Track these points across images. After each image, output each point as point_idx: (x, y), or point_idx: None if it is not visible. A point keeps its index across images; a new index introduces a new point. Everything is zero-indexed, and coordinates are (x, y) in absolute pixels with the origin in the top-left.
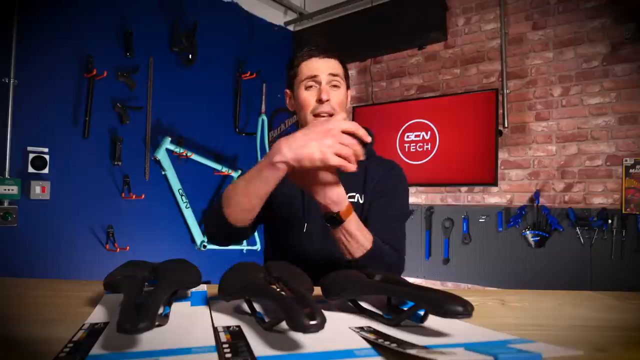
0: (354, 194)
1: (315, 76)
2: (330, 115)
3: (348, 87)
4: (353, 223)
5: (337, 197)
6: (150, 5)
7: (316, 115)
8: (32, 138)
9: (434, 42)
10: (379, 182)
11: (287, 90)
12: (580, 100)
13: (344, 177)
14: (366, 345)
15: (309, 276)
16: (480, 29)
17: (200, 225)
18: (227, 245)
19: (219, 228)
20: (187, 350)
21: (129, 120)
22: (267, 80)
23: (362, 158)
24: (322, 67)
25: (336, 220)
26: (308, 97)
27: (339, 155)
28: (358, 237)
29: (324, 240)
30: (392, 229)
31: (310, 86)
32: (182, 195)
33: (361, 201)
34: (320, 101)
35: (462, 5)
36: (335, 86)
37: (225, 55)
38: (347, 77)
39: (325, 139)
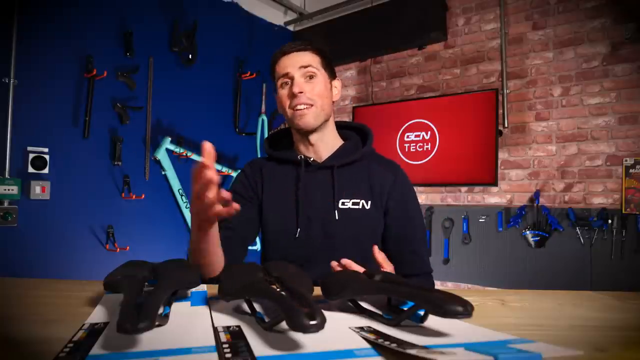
0: (358, 200)
1: (286, 73)
2: (310, 106)
3: (333, 77)
4: None
5: None
6: (150, 5)
7: (293, 109)
8: (32, 138)
9: (434, 42)
10: (391, 194)
11: (275, 95)
12: (580, 100)
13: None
14: (366, 345)
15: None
16: (480, 29)
17: None
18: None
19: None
20: (187, 350)
21: (129, 120)
22: (267, 80)
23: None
24: (292, 63)
25: None
26: (284, 94)
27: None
28: None
29: (326, 243)
30: (421, 254)
31: (286, 83)
32: (182, 195)
33: (367, 207)
34: (293, 95)
35: (462, 5)
36: (310, 77)
37: (225, 55)
38: (327, 66)
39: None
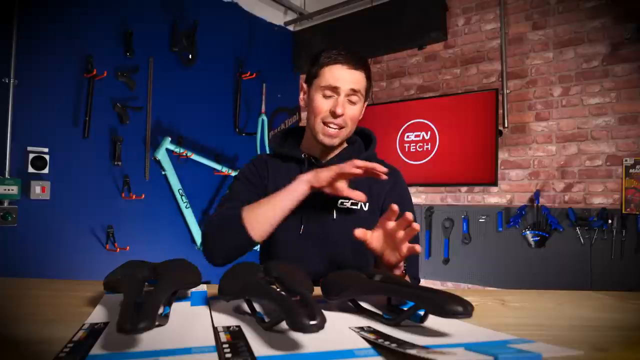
0: (357, 201)
1: (336, 88)
2: (341, 127)
3: (366, 100)
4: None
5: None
6: (150, 5)
7: (325, 124)
8: (32, 138)
9: (434, 42)
10: (387, 197)
11: (304, 85)
12: (580, 100)
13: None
14: (366, 345)
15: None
16: (480, 29)
17: (200, 225)
18: (230, 262)
19: (239, 247)
20: (187, 350)
21: (129, 120)
22: (267, 80)
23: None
24: (345, 79)
25: None
26: (323, 105)
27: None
28: None
29: (322, 242)
30: (409, 259)
31: (329, 96)
32: (182, 195)
33: (365, 208)
34: (334, 114)
35: (462, 5)
36: (352, 102)
37: (225, 55)
38: (368, 91)
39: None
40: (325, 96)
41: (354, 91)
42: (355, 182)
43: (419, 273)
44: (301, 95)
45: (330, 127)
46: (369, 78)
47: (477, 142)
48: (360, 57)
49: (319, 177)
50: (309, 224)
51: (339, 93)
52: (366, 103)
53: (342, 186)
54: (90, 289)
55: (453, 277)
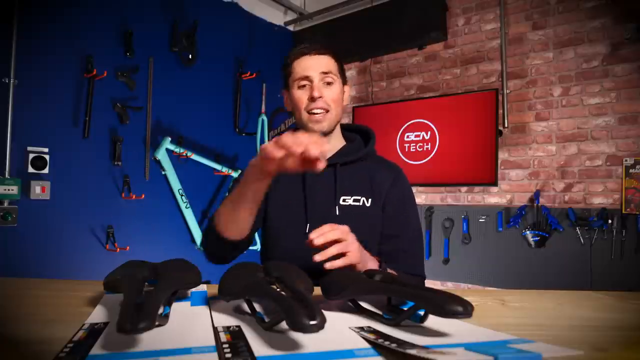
0: (359, 197)
1: (307, 76)
2: (326, 111)
3: (345, 83)
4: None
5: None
6: (150, 5)
7: (310, 113)
8: (32, 138)
9: (434, 42)
10: (389, 193)
11: (285, 91)
12: (580, 100)
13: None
14: (366, 345)
15: (310, 277)
16: (480, 29)
17: (200, 225)
18: (227, 262)
19: (224, 250)
20: (187, 350)
21: (129, 120)
22: (267, 80)
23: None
24: (314, 66)
25: None
26: (301, 96)
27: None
28: None
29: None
30: (414, 256)
31: (304, 85)
32: (182, 195)
33: (367, 204)
34: (312, 99)
35: (462, 5)
36: (329, 83)
37: (225, 55)
38: (342, 72)
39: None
40: (300, 87)
41: (326, 73)
42: (355, 176)
43: (424, 271)
44: (285, 101)
45: (314, 113)
46: (338, 60)
47: (477, 142)
48: (323, 44)
49: (261, 152)
50: (312, 222)
51: (312, 80)
52: (347, 86)
53: (293, 164)
54: (90, 289)
55: (453, 277)
